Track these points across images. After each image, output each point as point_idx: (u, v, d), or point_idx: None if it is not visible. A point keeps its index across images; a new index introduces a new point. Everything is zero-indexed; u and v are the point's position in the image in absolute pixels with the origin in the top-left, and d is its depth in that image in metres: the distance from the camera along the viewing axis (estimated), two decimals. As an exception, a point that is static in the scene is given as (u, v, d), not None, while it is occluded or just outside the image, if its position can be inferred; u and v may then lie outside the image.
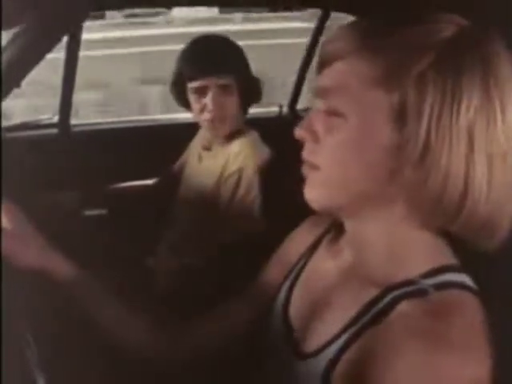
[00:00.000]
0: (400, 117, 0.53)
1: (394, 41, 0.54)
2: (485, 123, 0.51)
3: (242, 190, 1.28)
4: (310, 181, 0.61)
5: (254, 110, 1.49)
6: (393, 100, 0.53)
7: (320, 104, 0.59)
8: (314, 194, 0.61)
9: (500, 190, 0.53)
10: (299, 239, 0.77)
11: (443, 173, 0.51)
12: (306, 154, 0.61)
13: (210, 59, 1.28)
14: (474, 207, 0.52)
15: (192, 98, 1.32)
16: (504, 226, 0.55)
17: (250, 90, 1.36)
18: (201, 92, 1.30)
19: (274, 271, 0.78)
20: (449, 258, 0.58)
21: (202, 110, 1.31)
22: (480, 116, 0.51)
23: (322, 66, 0.60)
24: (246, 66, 1.35)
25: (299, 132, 0.60)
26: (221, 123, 1.32)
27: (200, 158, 1.45)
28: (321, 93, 0.59)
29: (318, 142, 0.59)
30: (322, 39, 1.94)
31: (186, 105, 1.37)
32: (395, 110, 0.53)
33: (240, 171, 1.28)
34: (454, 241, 0.59)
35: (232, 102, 1.31)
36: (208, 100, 1.29)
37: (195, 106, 1.32)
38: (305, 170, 0.61)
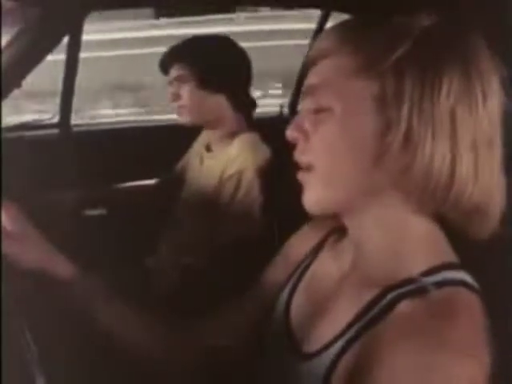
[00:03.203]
0: (381, 104, 0.54)
1: (373, 32, 0.56)
2: (467, 108, 0.53)
3: (241, 192, 1.28)
4: (307, 184, 0.62)
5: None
6: (373, 88, 0.55)
7: (308, 103, 0.61)
8: (312, 196, 0.61)
9: (487, 177, 0.55)
10: (303, 240, 0.77)
11: (428, 156, 0.53)
12: (297, 155, 0.62)
13: (164, 57, 1.40)
14: (461, 189, 0.54)
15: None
16: (493, 214, 0.56)
17: (212, 76, 1.36)
18: (170, 85, 1.41)
19: (276, 272, 0.78)
20: (449, 256, 0.59)
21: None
22: (461, 101, 0.52)
23: (308, 67, 0.62)
24: (206, 54, 1.37)
25: (290, 133, 0.62)
26: (184, 111, 1.39)
27: (202, 159, 1.46)
28: (308, 92, 0.61)
29: (308, 140, 0.60)
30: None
31: None
32: (376, 98, 0.55)
33: (239, 173, 1.28)
34: (453, 238, 0.60)
35: (187, 90, 1.37)
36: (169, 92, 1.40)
37: None
38: (300, 176, 0.62)
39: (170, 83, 1.40)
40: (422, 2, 0.61)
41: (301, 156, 0.61)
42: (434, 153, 0.52)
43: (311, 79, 0.61)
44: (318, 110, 0.59)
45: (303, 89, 0.62)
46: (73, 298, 0.72)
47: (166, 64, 1.40)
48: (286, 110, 2.13)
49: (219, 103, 1.38)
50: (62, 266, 0.71)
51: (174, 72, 1.37)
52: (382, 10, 0.60)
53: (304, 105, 0.62)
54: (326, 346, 0.59)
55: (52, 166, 1.63)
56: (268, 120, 2.08)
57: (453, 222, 0.58)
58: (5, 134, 1.49)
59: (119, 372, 0.85)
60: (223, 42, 1.40)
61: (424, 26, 0.55)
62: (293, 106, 2.14)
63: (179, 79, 1.37)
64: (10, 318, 0.53)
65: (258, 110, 1.49)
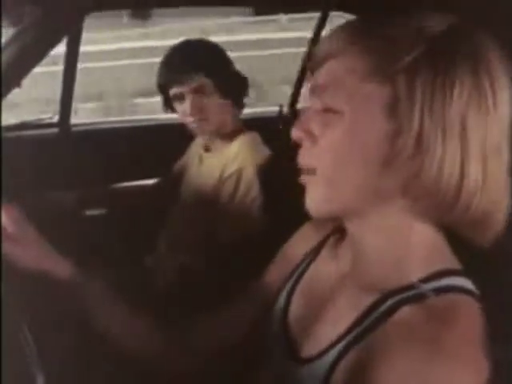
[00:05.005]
0: (393, 108, 0.53)
1: (385, 35, 0.55)
2: (477, 114, 0.52)
3: (241, 191, 1.28)
4: (310, 187, 0.60)
5: (254, 110, 1.48)
6: (385, 92, 0.54)
7: (315, 103, 0.59)
8: (314, 200, 0.60)
9: (495, 184, 0.54)
10: (302, 240, 0.76)
11: (438, 162, 0.52)
12: (301, 158, 0.60)
13: (180, 66, 1.29)
14: (469, 198, 0.53)
15: (175, 104, 1.34)
16: (498, 222, 0.56)
17: (232, 85, 1.34)
18: (180, 98, 1.31)
19: (276, 272, 0.78)
20: (450, 262, 0.58)
21: (185, 114, 1.32)
22: (472, 107, 0.52)
23: (316, 65, 0.61)
24: (222, 62, 1.34)
25: (296, 133, 0.60)
26: (205, 124, 1.33)
27: (201, 159, 1.46)
28: (315, 91, 0.60)
29: (314, 142, 0.59)
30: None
31: (173, 110, 1.39)
32: (388, 102, 0.54)
33: (239, 172, 1.28)
34: (455, 245, 0.59)
35: (212, 102, 1.31)
36: (186, 106, 1.30)
37: (178, 110, 1.34)
38: (302, 179, 0.61)
39: (181, 95, 1.30)
40: (422, 1, 0.61)
41: (306, 159, 0.60)
42: (445, 158, 0.52)
43: (319, 79, 0.59)
44: (327, 111, 0.57)
45: (310, 88, 0.61)
46: (72, 298, 0.72)
47: (178, 74, 1.29)
48: (285, 110, 2.13)
49: (227, 108, 1.35)
50: (61, 267, 0.71)
51: (192, 83, 1.28)
52: (383, 10, 0.59)
53: (311, 104, 0.60)
54: (325, 351, 0.59)
55: (52, 165, 1.63)
56: (267, 120, 2.08)
57: (458, 229, 0.57)
58: (5, 134, 1.49)
59: (118, 372, 0.85)
60: (210, 44, 1.36)
61: (438, 30, 0.54)
62: (292, 105, 2.13)
63: (199, 90, 1.28)
64: (9, 318, 0.53)
65: (258, 110, 1.49)
